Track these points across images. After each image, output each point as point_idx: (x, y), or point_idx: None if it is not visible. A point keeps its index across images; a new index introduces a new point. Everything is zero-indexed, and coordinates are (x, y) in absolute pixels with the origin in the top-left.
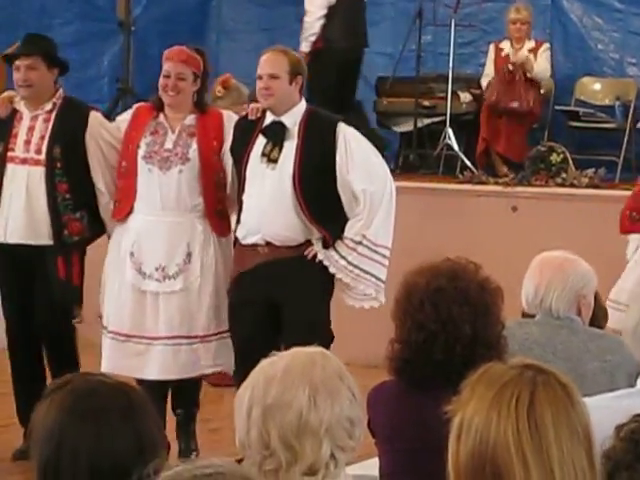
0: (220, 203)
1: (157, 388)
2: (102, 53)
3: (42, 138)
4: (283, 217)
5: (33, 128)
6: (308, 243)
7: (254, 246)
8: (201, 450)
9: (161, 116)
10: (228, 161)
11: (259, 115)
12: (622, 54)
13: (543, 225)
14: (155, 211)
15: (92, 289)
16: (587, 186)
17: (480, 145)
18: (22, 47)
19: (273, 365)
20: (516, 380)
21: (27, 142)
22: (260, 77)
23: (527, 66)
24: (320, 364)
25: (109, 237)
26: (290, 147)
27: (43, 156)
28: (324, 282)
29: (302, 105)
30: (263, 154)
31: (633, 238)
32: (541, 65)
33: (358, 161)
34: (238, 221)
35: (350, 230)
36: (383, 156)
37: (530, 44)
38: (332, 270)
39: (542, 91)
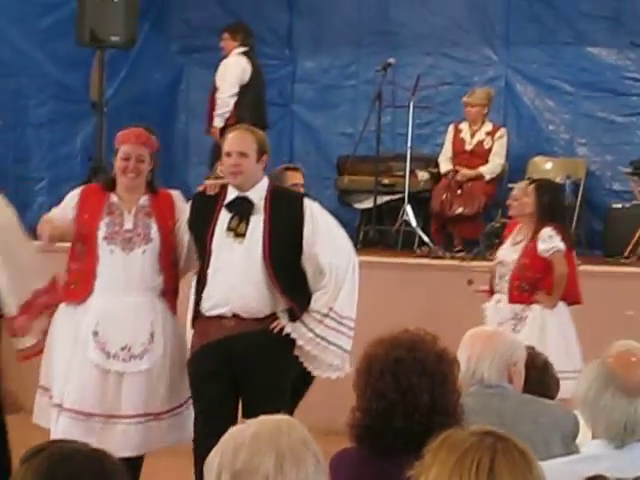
0: (175, 281)
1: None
2: (75, 133)
3: None
4: (253, 290)
5: None
6: (274, 316)
7: (220, 318)
8: None
9: (113, 197)
10: (183, 237)
11: (217, 191)
12: (572, 135)
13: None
14: (118, 291)
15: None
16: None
17: (435, 223)
18: None
19: (241, 432)
20: (477, 446)
21: None
22: (229, 154)
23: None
24: (286, 431)
25: None
26: (257, 221)
27: None
28: (288, 354)
29: (264, 181)
30: (229, 228)
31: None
32: (495, 154)
33: (324, 235)
34: (199, 294)
35: (317, 303)
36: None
37: (488, 127)
38: (299, 342)
39: (487, 178)
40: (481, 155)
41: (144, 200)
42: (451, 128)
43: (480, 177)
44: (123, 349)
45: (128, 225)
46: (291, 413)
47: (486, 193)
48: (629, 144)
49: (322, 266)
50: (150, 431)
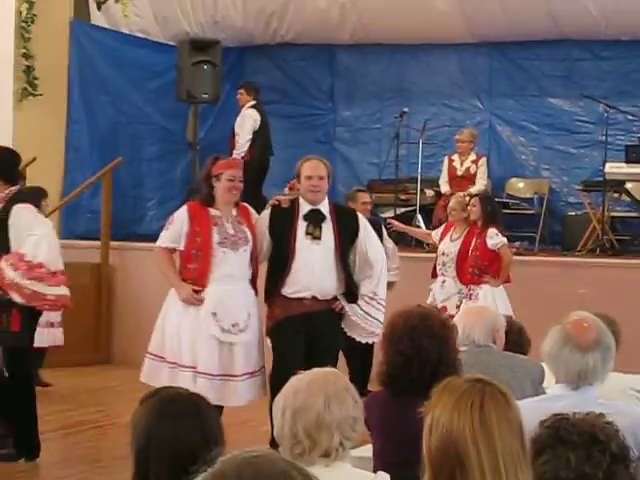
0: (256, 272)
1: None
2: (176, 165)
3: None
4: (329, 279)
5: None
6: (335, 298)
7: (301, 299)
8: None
9: (212, 210)
10: (262, 238)
11: (288, 204)
12: (538, 162)
13: None
14: (229, 282)
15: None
16: (515, 254)
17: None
18: None
19: (300, 380)
20: (470, 390)
21: None
22: (310, 177)
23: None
24: (332, 380)
25: None
26: (327, 228)
27: None
28: (340, 326)
29: (326, 198)
30: (307, 233)
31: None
32: (480, 177)
33: (372, 239)
34: (277, 281)
35: (365, 288)
36: None
37: (472, 156)
38: (353, 318)
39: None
40: (469, 178)
41: (234, 211)
42: (445, 159)
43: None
44: (234, 325)
45: (231, 231)
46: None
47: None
48: (580, 168)
49: (371, 261)
50: (253, 385)
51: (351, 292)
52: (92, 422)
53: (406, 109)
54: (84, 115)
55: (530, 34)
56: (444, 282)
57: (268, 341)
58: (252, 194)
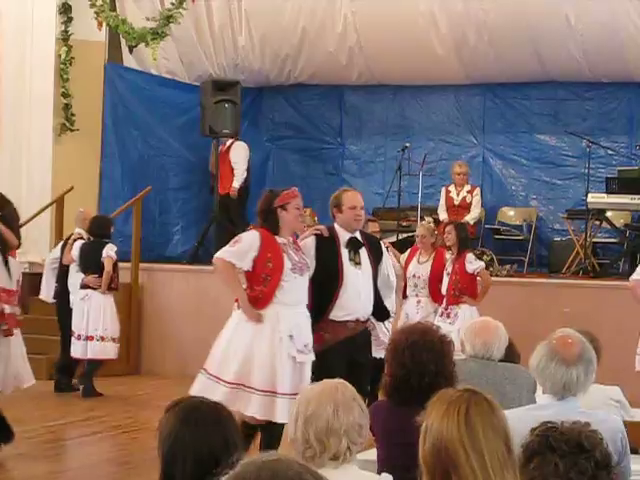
0: None
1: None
2: (199, 194)
3: None
4: (369, 302)
5: None
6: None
7: (346, 322)
8: None
9: (279, 238)
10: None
11: (328, 234)
12: (527, 192)
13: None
14: (299, 305)
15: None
16: (506, 276)
17: None
18: None
19: (311, 390)
20: (457, 399)
21: None
22: (354, 207)
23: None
24: (341, 390)
25: None
26: (363, 254)
27: None
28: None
29: None
30: (350, 259)
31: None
32: (474, 206)
33: (390, 264)
34: (331, 306)
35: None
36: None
37: (467, 187)
38: (380, 335)
39: (471, 223)
40: (465, 207)
41: (290, 239)
42: (443, 190)
43: (466, 223)
44: (305, 346)
45: (296, 258)
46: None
47: (470, 232)
48: (565, 198)
49: (391, 283)
50: None
51: (379, 312)
52: (123, 427)
53: (407, 144)
54: (116, 148)
55: (520, 76)
56: (419, 302)
57: None
58: (242, 220)
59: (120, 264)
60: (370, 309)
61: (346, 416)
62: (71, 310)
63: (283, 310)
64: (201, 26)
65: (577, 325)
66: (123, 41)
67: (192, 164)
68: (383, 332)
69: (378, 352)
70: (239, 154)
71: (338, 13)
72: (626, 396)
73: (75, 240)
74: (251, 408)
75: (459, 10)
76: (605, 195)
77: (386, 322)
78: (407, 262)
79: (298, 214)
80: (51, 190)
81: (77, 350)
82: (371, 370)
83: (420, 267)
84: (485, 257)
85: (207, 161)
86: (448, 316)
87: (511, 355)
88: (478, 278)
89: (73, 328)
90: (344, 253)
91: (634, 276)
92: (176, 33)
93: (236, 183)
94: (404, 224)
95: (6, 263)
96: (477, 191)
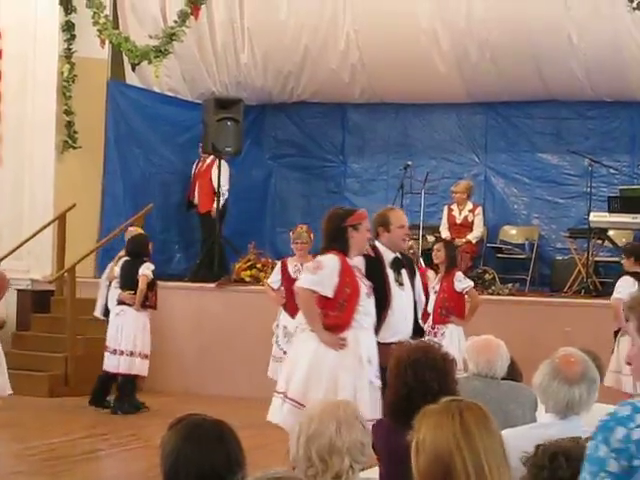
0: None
1: None
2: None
3: None
4: (411, 322)
5: None
6: None
7: (390, 344)
8: None
9: (349, 260)
10: None
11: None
12: (529, 211)
13: (481, 318)
14: (370, 328)
15: None
16: (508, 294)
17: None
18: None
19: (313, 409)
20: (448, 407)
21: None
22: (403, 226)
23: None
24: (343, 408)
25: None
26: (404, 274)
27: None
28: None
29: None
30: (395, 280)
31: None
32: (476, 225)
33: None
34: (379, 328)
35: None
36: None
37: (469, 206)
38: None
39: (473, 242)
40: (467, 226)
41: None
42: (445, 209)
43: (468, 241)
44: (377, 370)
45: (365, 281)
46: None
47: (472, 251)
48: (567, 217)
49: (422, 301)
50: None
51: (416, 330)
52: (125, 444)
53: (410, 162)
54: (119, 166)
55: (522, 95)
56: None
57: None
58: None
59: None
60: (411, 329)
61: (349, 434)
62: None
63: (361, 334)
64: (204, 44)
65: (578, 344)
66: (126, 59)
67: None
68: None
69: None
70: (224, 174)
71: (340, 30)
72: None
73: (120, 258)
74: None
75: (461, 27)
76: (607, 214)
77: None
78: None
79: (368, 236)
80: (53, 207)
81: (109, 364)
82: None
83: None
84: (487, 276)
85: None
86: (435, 335)
87: (513, 374)
88: (467, 297)
89: (107, 342)
90: (389, 274)
91: (615, 295)
92: (179, 51)
93: (223, 200)
94: None
95: None
96: (479, 210)
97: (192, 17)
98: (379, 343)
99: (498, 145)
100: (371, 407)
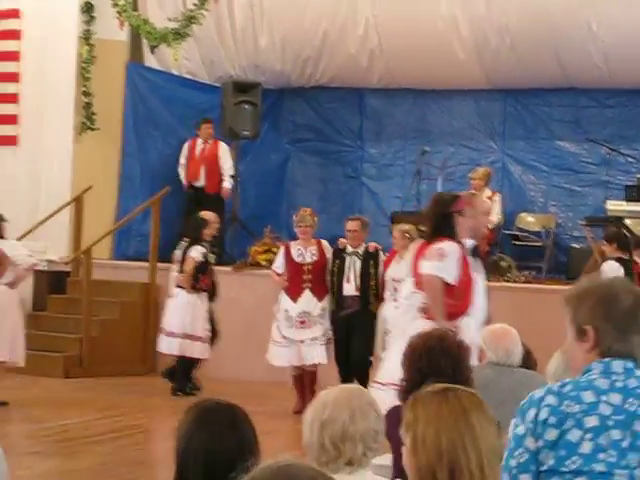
0: None
1: None
2: None
3: None
4: (485, 310)
5: None
6: None
7: None
8: None
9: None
10: None
11: None
12: (546, 199)
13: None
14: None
15: None
16: (524, 282)
17: None
18: None
19: (327, 394)
20: (443, 391)
21: None
22: (489, 213)
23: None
24: (357, 395)
25: None
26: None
27: None
28: None
29: None
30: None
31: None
32: (494, 212)
33: None
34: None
35: None
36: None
37: (488, 193)
38: None
39: (490, 226)
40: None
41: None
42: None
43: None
44: None
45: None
46: None
47: (489, 238)
48: (584, 205)
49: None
50: None
51: None
52: (139, 427)
53: (427, 148)
54: (136, 148)
55: (541, 82)
56: (397, 307)
57: None
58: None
59: (138, 263)
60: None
61: (362, 421)
62: None
63: (471, 322)
64: (223, 27)
65: None
66: (145, 41)
67: None
68: None
69: None
70: (225, 155)
71: (359, 15)
72: None
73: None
74: None
75: (481, 13)
76: (624, 202)
77: None
78: (385, 265)
79: (479, 221)
80: (70, 188)
81: (162, 346)
82: None
83: (399, 269)
84: (503, 263)
85: None
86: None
87: (528, 363)
88: None
89: (161, 324)
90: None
91: None
92: (198, 34)
93: (227, 184)
94: (422, 228)
95: None
96: (497, 197)
97: (211, 0)
98: None
99: (516, 132)
100: None
